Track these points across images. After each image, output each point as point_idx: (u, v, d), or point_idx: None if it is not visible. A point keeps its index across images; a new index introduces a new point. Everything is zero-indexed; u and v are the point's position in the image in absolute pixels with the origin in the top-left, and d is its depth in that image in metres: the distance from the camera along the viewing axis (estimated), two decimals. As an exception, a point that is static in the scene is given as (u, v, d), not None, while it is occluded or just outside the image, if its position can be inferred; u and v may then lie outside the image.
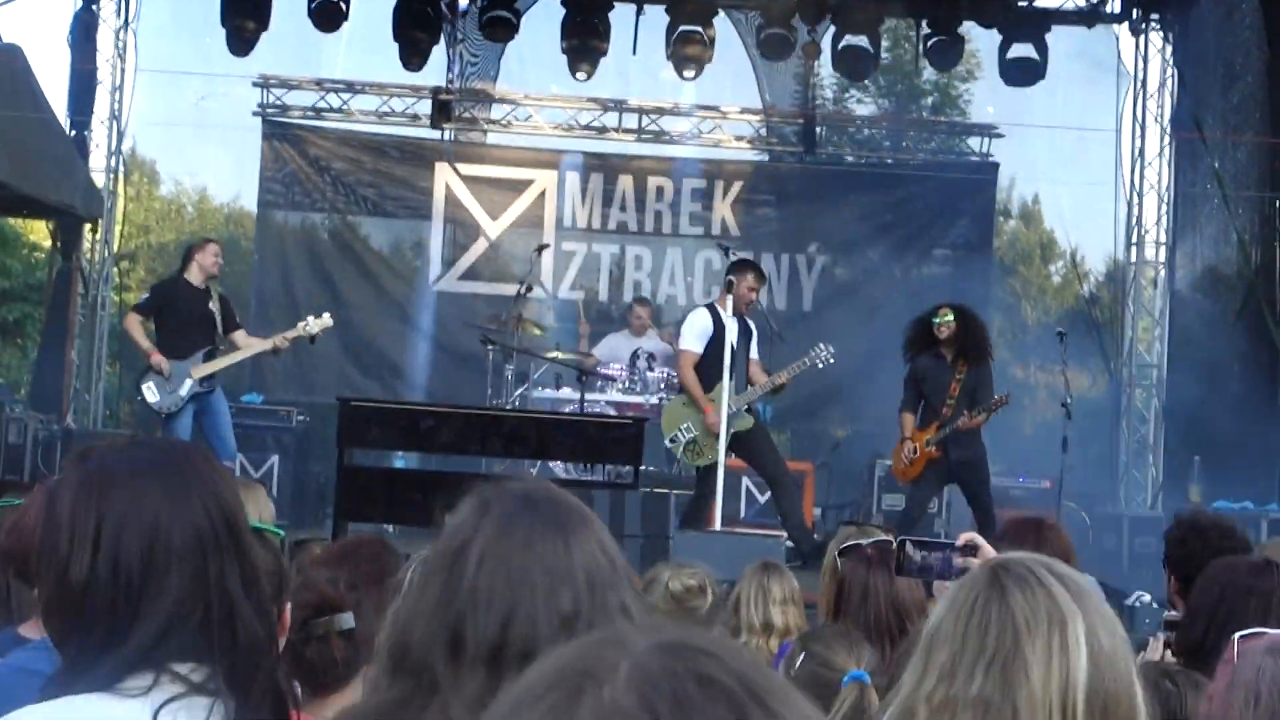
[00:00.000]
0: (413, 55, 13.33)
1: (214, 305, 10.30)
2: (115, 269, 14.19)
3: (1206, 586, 3.65)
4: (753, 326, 10.20)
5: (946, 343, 9.90)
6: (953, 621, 1.87)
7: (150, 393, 10.16)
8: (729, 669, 1.11)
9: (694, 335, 10.04)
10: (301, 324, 10.38)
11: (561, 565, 1.79)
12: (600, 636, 1.17)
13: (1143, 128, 14.41)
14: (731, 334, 9.58)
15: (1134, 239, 14.40)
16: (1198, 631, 3.51)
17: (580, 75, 13.64)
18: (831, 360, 10.08)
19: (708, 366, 9.84)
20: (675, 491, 11.11)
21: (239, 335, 10.50)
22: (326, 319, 10.44)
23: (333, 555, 3.98)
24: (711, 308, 10.06)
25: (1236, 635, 2.66)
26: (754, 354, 10.27)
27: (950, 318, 9.86)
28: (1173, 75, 14.21)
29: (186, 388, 10.09)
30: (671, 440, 10.06)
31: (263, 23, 13.10)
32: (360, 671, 3.37)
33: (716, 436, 9.59)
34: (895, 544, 3.64)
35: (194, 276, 10.32)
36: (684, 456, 10.13)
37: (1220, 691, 2.62)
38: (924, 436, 10.06)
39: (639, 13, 13.66)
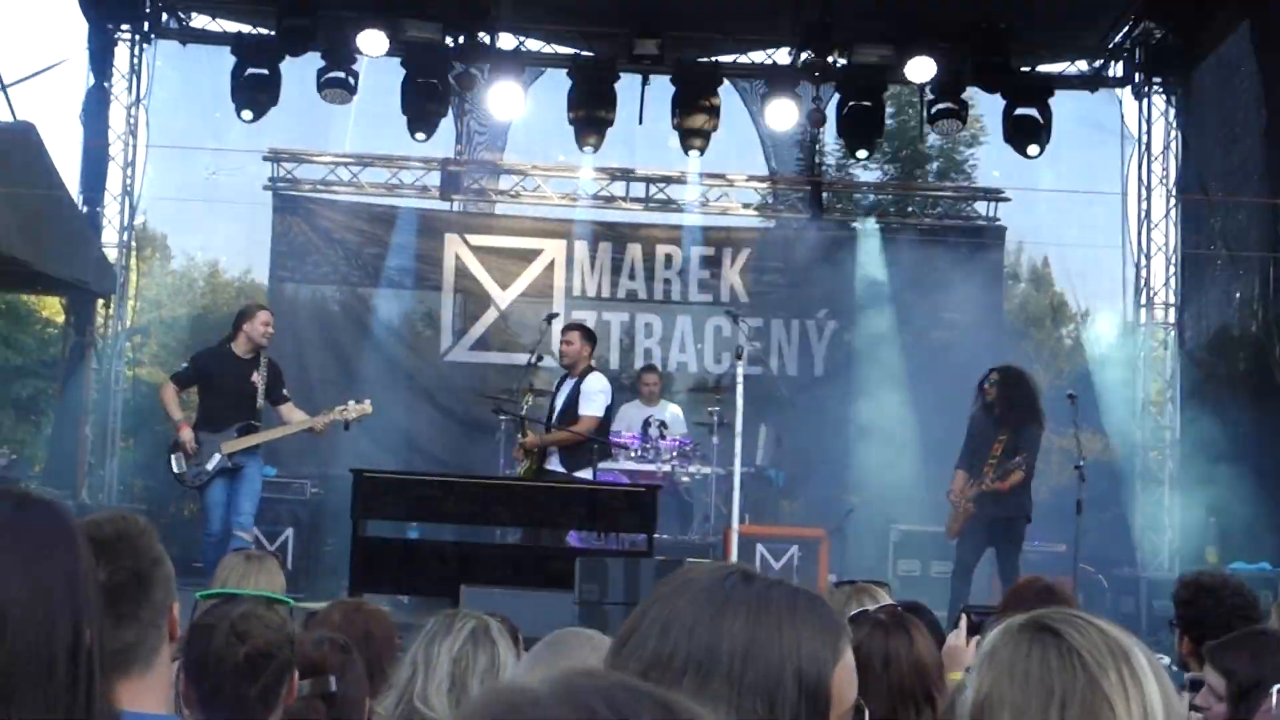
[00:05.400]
0: (420, 126, 13.43)
1: (258, 376, 10.30)
2: (128, 344, 14.23)
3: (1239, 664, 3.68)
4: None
5: (993, 404, 10.35)
6: (1008, 680, 1.84)
7: (176, 464, 10.22)
8: (642, 683, 1.23)
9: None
10: (340, 408, 10.40)
11: None
12: (495, 688, 1.26)
13: (1148, 190, 14.48)
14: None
15: (1143, 300, 14.43)
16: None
17: (587, 149, 13.72)
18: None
19: None
20: (690, 559, 11.07)
21: (285, 408, 10.51)
22: (366, 405, 10.45)
23: (322, 620, 3.99)
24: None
25: (1275, 687, 2.70)
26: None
27: (994, 380, 10.33)
28: (1176, 138, 14.30)
29: (214, 462, 10.13)
30: None
31: (273, 97, 13.24)
32: None
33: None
34: (963, 613, 3.68)
35: (240, 347, 10.35)
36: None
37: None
38: (968, 494, 10.37)
39: (645, 83, 13.77)
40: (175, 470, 10.31)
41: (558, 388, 11.16)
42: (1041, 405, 10.74)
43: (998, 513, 10.38)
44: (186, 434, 10.19)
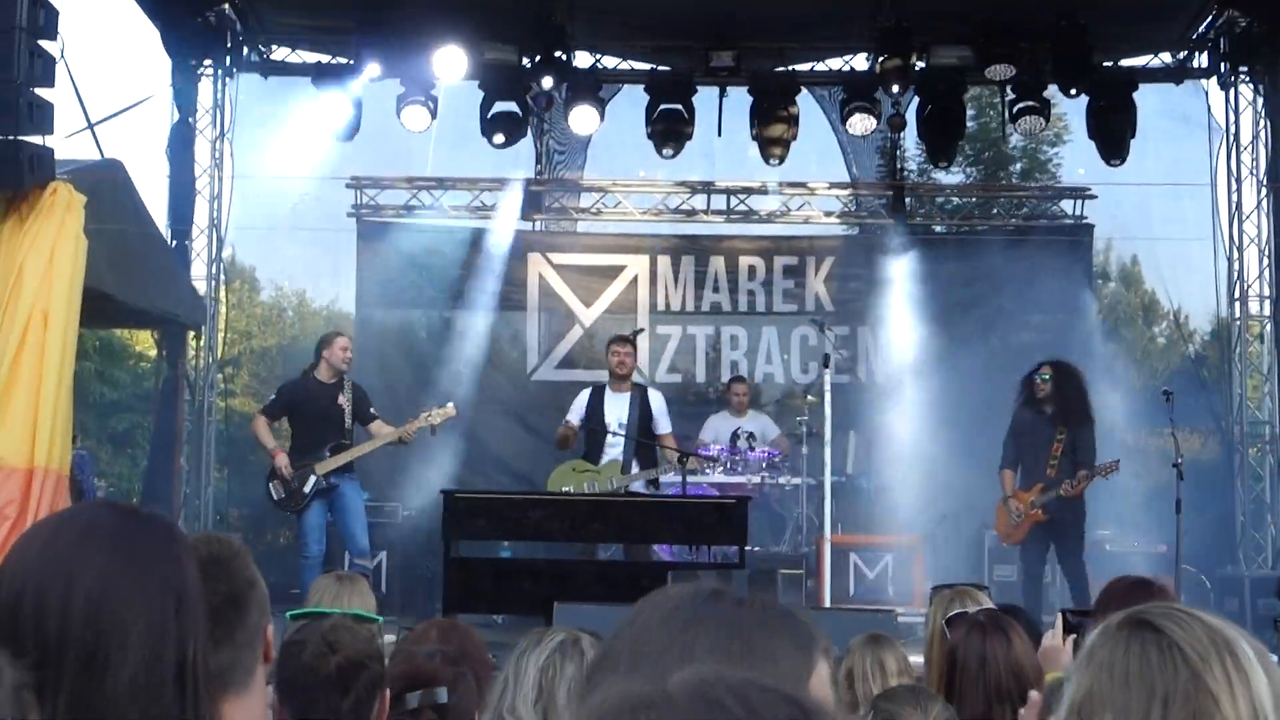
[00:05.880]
0: (498, 136, 13.39)
1: (344, 399, 10.56)
2: (220, 376, 14.40)
3: None
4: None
5: (1045, 401, 10.16)
6: (1107, 679, 1.77)
7: (275, 490, 10.50)
8: (773, 683, 1.23)
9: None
10: (425, 414, 10.58)
11: None
12: (625, 687, 1.23)
13: (1238, 181, 14.20)
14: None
15: (1237, 294, 14.15)
16: None
17: (666, 155, 13.60)
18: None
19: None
20: (783, 570, 11.01)
21: (374, 425, 10.75)
22: (450, 409, 10.64)
23: (418, 638, 3.99)
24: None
25: None
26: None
27: (1047, 377, 10.14)
28: (1265, 127, 14.01)
29: (310, 484, 10.42)
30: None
31: (355, 124, 13.33)
32: None
33: None
34: (1060, 616, 3.62)
35: (323, 373, 10.70)
36: None
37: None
38: (1028, 498, 10.20)
39: (722, 95, 13.73)
40: (274, 497, 10.59)
41: (599, 402, 11.10)
42: (1091, 401, 10.64)
43: (1067, 515, 10.32)
44: (282, 459, 10.45)
